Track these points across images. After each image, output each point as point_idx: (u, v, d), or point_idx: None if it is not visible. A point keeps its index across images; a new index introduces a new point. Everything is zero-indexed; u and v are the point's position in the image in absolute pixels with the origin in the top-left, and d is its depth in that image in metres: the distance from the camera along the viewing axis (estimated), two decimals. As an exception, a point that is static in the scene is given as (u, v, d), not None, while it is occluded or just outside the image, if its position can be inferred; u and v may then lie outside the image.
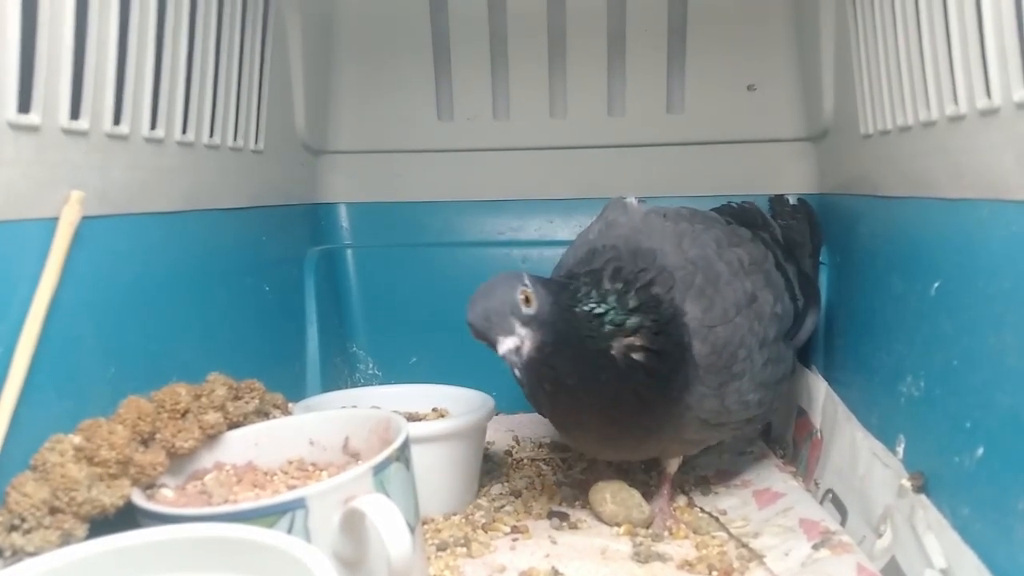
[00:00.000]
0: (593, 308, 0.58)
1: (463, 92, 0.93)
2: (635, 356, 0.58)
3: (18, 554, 0.41)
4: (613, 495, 0.65)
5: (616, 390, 0.58)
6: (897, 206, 0.65)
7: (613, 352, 0.57)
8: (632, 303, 0.59)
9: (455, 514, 0.66)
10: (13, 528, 0.42)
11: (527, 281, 0.57)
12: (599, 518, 0.65)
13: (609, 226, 0.69)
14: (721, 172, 0.93)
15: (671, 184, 0.93)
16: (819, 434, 0.70)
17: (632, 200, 0.72)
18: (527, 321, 0.55)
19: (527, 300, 0.56)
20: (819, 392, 0.71)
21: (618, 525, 0.64)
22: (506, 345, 0.55)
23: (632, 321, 0.58)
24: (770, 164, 0.92)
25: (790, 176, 0.91)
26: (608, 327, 0.58)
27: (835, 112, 0.81)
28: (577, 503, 0.68)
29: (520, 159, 0.95)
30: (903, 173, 0.63)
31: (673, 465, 0.68)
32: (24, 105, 0.48)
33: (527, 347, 0.55)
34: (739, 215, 0.76)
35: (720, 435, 0.67)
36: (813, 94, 0.85)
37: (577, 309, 0.58)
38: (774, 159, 0.91)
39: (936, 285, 0.56)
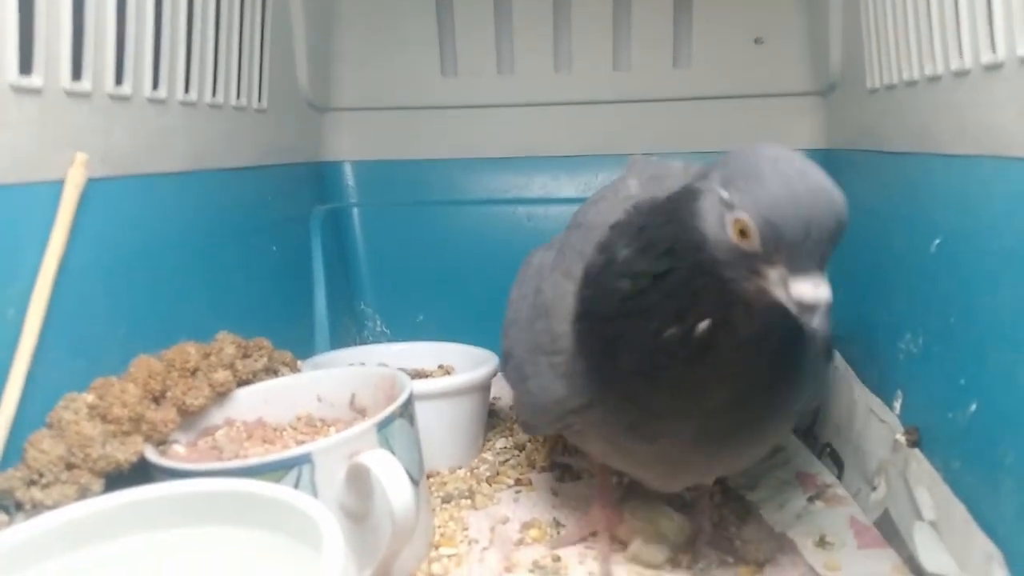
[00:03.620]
0: None
1: (466, 47, 0.92)
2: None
3: (38, 507, 0.43)
4: (651, 516, 0.55)
5: (773, 362, 0.44)
6: (902, 161, 0.64)
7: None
8: None
9: (460, 468, 0.68)
10: (32, 483, 0.44)
11: None
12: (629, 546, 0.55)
13: (654, 179, 0.54)
14: (729, 126, 0.92)
15: (678, 139, 0.92)
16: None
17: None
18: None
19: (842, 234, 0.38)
20: (820, 348, 0.72)
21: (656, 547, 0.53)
22: (825, 291, 0.36)
23: None
24: (778, 118, 0.91)
25: (798, 130, 0.90)
26: None
27: (842, 65, 0.80)
28: (579, 453, 0.69)
29: (525, 115, 0.94)
30: (908, 128, 0.63)
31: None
32: (25, 67, 0.48)
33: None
34: None
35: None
36: (820, 47, 0.84)
37: None
38: (782, 113, 0.90)
39: (937, 242, 0.56)
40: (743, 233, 0.36)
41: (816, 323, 0.35)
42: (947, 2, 0.54)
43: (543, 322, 0.50)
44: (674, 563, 0.52)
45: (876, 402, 0.59)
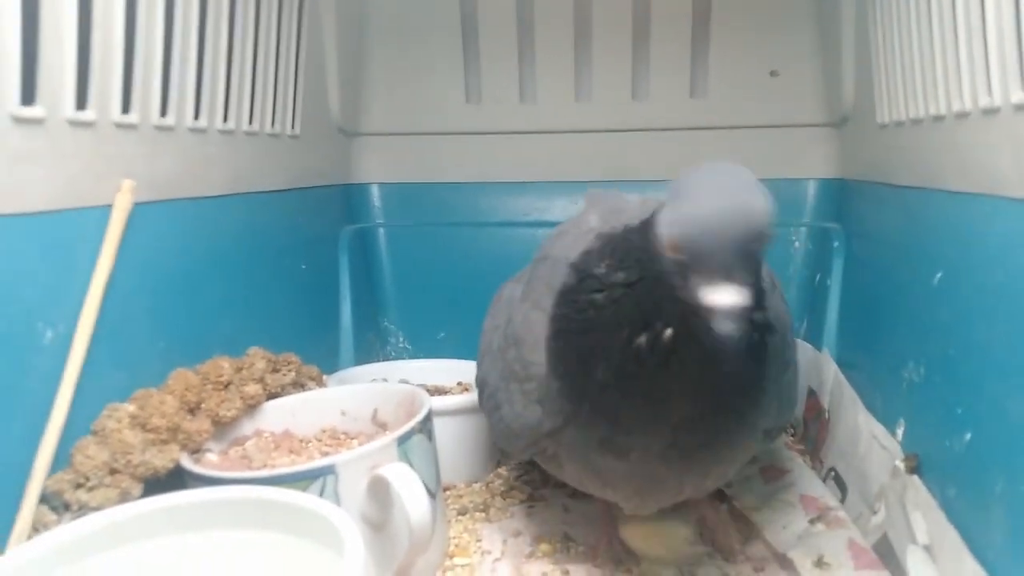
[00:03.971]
0: None
1: (491, 76, 0.96)
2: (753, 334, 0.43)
3: (83, 508, 0.46)
4: (656, 529, 0.56)
5: (733, 374, 0.44)
6: (908, 196, 0.66)
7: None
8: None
9: (476, 482, 0.71)
10: (79, 485, 0.47)
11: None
12: (639, 555, 0.57)
13: (613, 212, 0.56)
14: (744, 156, 0.92)
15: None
16: (827, 415, 0.72)
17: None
18: (751, 265, 0.39)
19: (765, 242, 0.39)
20: (829, 374, 0.74)
21: (662, 562, 0.55)
22: (743, 297, 0.38)
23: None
24: (793, 148, 0.93)
25: (813, 160, 0.92)
26: None
27: (855, 99, 0.82)
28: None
29: (546, 142, 0.97)
30: (914, 164, 0.65)
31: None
32: (81, 102, 0.52)
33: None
34: None
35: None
36: (834, 81, 0.86)
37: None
38: (797, 143, 0.93)
39: (938, 276, 0.58)
40: (674, 247, 0.39)
41: (728, 328, 0.38)
42: (949, 45, 0.56)
43: (514, 351, 0.53)
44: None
45: (879, 429, 0.61)
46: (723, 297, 0.38)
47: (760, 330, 0.43)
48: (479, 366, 0.62)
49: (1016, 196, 0.48)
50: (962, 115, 0.55)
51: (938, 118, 0.59)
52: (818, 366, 0.78)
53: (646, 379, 0.44)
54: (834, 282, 0.83)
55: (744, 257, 0.38)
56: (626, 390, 0.45)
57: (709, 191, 0.40)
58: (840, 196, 0.90)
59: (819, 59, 0.89)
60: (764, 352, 0.46)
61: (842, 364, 0.74)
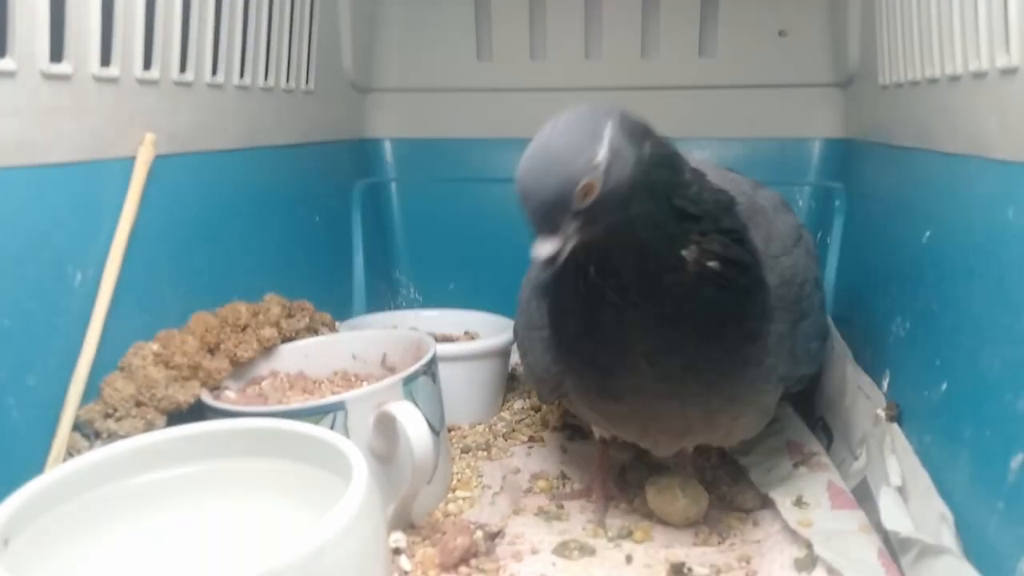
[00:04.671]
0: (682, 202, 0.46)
1: (502, 33, 0.97)
2: (709, 264, 0.46)
3: (112, 436, 0.50)
4: (684, 489, 0.58)
5: (681, 303, 0.46)
6: (905, 156, 0.68)
7: (684, 254, 0.46)
8: (707, 198, 0.48)
9: (480, 424, 0.75)
10: (108, 415, 0.51)
11: (600, 158, 0.41)
12: (665, 519, 0.58)
13: None
14: (751, 115, 0.95)
15: (702, 126, 0.96)
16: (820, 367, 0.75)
17: None
18: (579, 213, 0.42)
19: (586, 193, 0.41)
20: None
21: (688, 520, 0.57)
22: (542, 250, 0.42)
23: (707, 222, 0.47)
24: (799, 108, 0.94)
25: (819, 120, 0.93)
26: (687, 222, 0.46)
27: (860, 60, 0.83)
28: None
29: (556, 99, 0.98)
30: (911, 125, 0.66)
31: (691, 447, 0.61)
32: (105, 59, 0.55)
33: (567, 249, 0.42)
34: None
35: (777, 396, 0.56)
36: (841, 42, 0.86)
37: (664, 180, 0.46)
38: (803, 103, 0.93)
39: (928, 234, 0.60)
40: None
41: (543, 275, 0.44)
42: (944, 8, 0.57)
43: (536, 301, 0.57)
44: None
45: (865, 380, 0.63)
46: (534, 250, 0.42)
47: (724, 261, 0.47)
48: (516, 321, 0.66)
49: (1000, 158, 0.49)
50: (954, 78, 0.56)
51: (933, 81, 0.61)
52: (814, 322, 0.80)
53: (601, 317, 0.48)
54: (834, 240, 0.85)
55: (551, 214, 0.42)
56: (590, 333, 0.49)
57: (528, 149, 0.43)
58: (844, 156, 0.91)
59: (827, 20, 0.90)
60: (736, 284, 0.48)
61: (838, 319, 0.76)
